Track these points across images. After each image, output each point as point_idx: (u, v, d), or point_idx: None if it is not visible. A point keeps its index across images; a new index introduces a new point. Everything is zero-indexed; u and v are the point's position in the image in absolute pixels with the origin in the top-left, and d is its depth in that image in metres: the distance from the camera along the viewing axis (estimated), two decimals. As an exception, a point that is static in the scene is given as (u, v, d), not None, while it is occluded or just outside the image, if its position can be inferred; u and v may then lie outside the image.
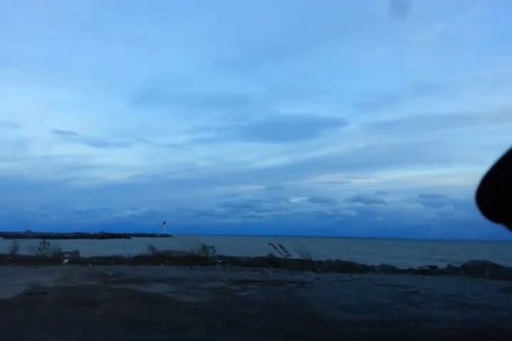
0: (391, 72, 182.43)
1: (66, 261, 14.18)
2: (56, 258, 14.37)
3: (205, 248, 15.00)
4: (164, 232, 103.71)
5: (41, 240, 15.77)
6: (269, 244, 14.66)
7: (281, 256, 14.22)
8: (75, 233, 73.22)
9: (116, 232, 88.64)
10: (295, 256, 14.40)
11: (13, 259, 14.07)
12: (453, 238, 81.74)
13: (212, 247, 15.22)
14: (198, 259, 14.41)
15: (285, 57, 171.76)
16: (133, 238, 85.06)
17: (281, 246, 14.51)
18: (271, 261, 14.08)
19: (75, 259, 14.69)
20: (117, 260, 14.85)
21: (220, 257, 15.01)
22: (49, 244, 15.47)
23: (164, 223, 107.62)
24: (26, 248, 15.46)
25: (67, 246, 18.34)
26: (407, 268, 14.12)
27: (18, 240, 15.50)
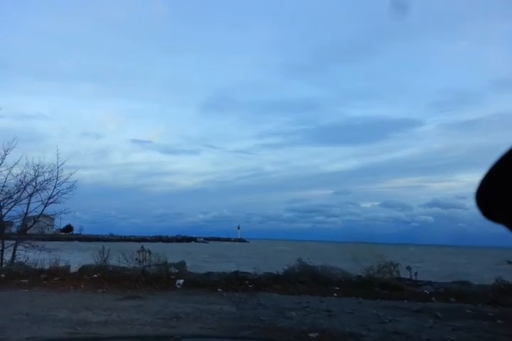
0: (468, 69, 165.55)
1: (180, 282, 9.61)
2: (165, 278, 9.86)
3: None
4: (239, 237, 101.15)
5: (129, 243, 11.52)
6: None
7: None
8: (155, 236, 72.04)
9: (193, 236, 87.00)
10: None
11: (102, 279, 9.75)
12: None
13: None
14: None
15: (353, 59, 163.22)
16: (209, 242, 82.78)
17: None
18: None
19: (191, 279, 10.07)
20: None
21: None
22: (149, 252, 11.09)
23: (238, 228, 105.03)
24: (116, 256, 11.27)
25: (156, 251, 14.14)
26: None
27: (106, 248, 11.31)
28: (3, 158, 13.05)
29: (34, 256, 13.08)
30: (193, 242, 78.97)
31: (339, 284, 9.95)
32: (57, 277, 9.65)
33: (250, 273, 11.63)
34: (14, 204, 13.37)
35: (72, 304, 6.77)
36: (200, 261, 21.27)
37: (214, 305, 7.15)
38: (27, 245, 13.04)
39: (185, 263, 12.32)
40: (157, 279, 9.86)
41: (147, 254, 11.04)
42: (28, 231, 14.23)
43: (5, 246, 12.75)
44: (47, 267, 11.03)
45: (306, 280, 10.10)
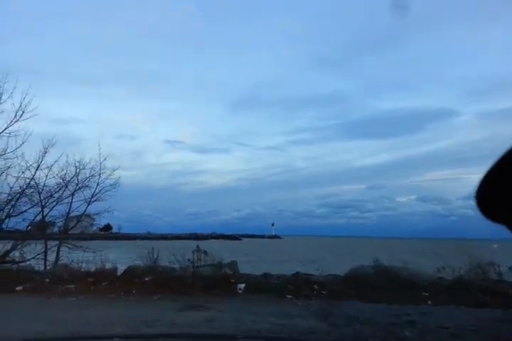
0: (504, 55, 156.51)
1: (242, 287, 8.40)
2: (223, 282, 8.68)
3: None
4: (273, 233, 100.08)
5: (166, 241, 10.44)
6: None
7: None
8: (190, 234, 72.05)
9: (228, 233, 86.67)
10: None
11: (154, 283, 8.67)
12: None
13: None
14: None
15: (382, 50, 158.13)
16: (244, 239, 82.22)
17: None
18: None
19: (252, 284, 8.83)
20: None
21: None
22: (205, 253, 9.94)
23: (272, 224, 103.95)
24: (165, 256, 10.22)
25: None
26: None
27: (155, 248, 10.24)
28: (43, 156, 12.31)
29: (77, 257, 12.33)
30: (228, 240, 78.51)
31: (427, 289, 8.46)
32: (105, 281, 8.66)
33: (314, 275, 10.28)
34: (56, 204, 12.64)
35: (129, 317, 5.66)
36: (244, 260, 20.14)
37: (296, 318, 5.87)
38: (70, 246, 12.25)
39: (236, 263, 11.13)
40: (214, 283, 8.69)
41: (202, 255, 9.89)
42: (70, 231, 13.49)
43: (48, 246, 11.98)
44: (92, 269, 10.15)
45: (385, 284, 8.66)
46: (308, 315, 6.20)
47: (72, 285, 8.31)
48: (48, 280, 8.80)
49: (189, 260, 9.99)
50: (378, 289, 8.48)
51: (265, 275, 10.75)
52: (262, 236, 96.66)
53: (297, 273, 10.89)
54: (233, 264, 10.88)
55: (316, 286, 8.93)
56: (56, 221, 13.08)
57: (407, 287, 8.57)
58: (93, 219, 14.59)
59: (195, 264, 9.94)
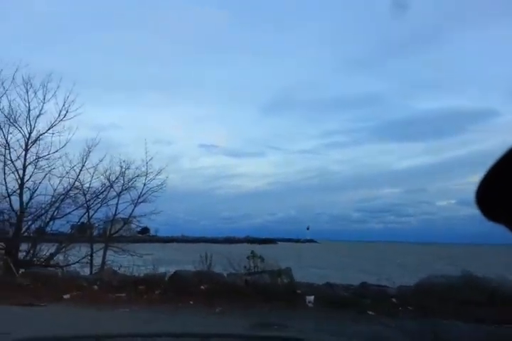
0: None
1: (311, 299, 7.34)
2: (288, 292, 7.66)
3: None
4: (309, 237, 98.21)
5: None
6: None
7: None
8: (225, 237, 71.48)
9: (262, 237, 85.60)
10: None
11: (213, 292, 7.76)
12: None
13: None
14: None
15: (417, 49, 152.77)
16: (279, 243, 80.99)
17: None
18: None
19: (322, 296, 7.75)
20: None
21: None
22: (261, 258, 8.98)
23: (308, 228, 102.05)
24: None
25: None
26: None
27: (208, 253, 9.36)
28: (87, 156, 11.80)
29: (123, 261, 11.69)
30: (263, 243, 77.43)
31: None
32: (157, 289, 7.84)
33: (386, 287, 9.10)
34: (101, 206, 12.07)
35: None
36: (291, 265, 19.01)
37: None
38: (116, 249, 11.61)
39: (291, 270, 10.05)
40: (277, 294, 7.69)
41: (258, 261, 8.93)
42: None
43: (94, 250, 11.39)
44: (142, 275, 9.42)
45: (482, 299, 7.36)
46: (408, 340, 5.07)
47: (123, 294, 7.54)
48: (96, 287, 8.09)
49: (245, 267, 9.07)
50: (473, 305, 7.20)
51: (329, 285, 9.62)
52: (298, 240, 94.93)
53: (364, 283, 9.73)
54: (287, 271, 9.83)
55: (394, 300, 7.75)
56: (101, 223, 12.49)
57: (507, 303, 7.24)
58: (138, 221, 13.91)
59: (253, 270, 9.02)
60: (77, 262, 11.86)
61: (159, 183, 11.61)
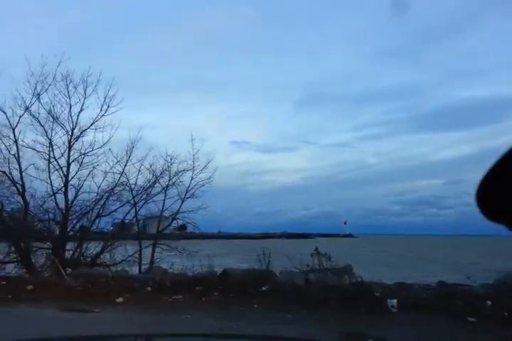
0: None
1: (394, 303, 6.37)
2: (364, 294, 6.72)
3: None
4: (347, 232, 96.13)
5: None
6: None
7: None
8: (262, 233, 70.87)
9: (299, 232, 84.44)
10: None
11: (275, 294, 6.92)
12: None
13: None
14: None
15: (454, 37, 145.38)
16: (316, 238, 79.74)
17: None
18: None
19: (404, 299, 6.76)
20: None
21: None
22: (328, 256, 8.07)
23: (345, 223, 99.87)
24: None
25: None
26: None
27: (266, 250, 8.53)
28: (131, 151, 11.26)
29: (171, 259, 11.13)
30: (300, 238, 76.47)
31: None
32: (215, 291, 7.10)
33: (467, 285, 7.98)
34: (145, 202, 11.52)
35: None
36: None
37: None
38: (164, 247, 11.03)
39: (352, 269, 9.06)
40: (352, 296, 6.76)
41: (323, 259, 8.03)
42: (151, 231, 12.33)
43: (142, 248, 10.87)
44: (192, 274, 8.76)
45: None
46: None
47: (180, 296, 6.85)
48: (149, 288, 7.45)
49: (308, 265, 8.20)
50: None
51: (402, 284, 8.62)
52: (336, 235, 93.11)
53: (441, 282, 8.65)
54: (347, 269, 8.86)
55: (489, 303, 6.65)
56: (147, 220, 11.96)
57: None
58: (185, 217, 13.23)
59: (318, 267, 8.14)
60: (124, 260, 11.40)
61: (207, 177, 10.90)
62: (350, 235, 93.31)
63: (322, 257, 8.05)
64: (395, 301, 6.38)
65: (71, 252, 11.53)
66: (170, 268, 9.18)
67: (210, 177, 11.03)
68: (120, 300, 6.71)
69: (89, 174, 11.39)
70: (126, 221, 12.26)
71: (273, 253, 8.44)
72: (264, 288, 7.21)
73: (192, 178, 11.02)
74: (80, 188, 11.41)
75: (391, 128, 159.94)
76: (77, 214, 11.83)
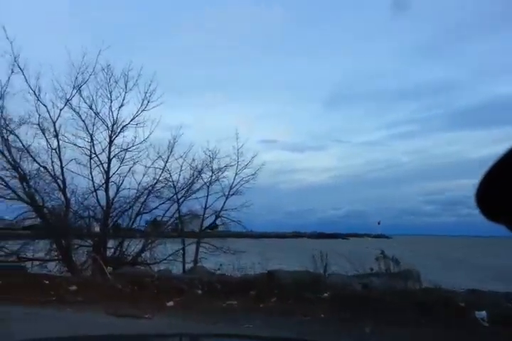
0: None
1: (483, 315, 5.49)
2: (444, 304, 5.86)
3: None
4: (380, 232, 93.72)
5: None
6: None
7: None
8: (293, 232, 69.93)
9: (330, 232, 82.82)
10: None
11: (336, 301, 6.17)
12: None
13: None
14: None
15: (493, 31, 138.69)
16: (349, 238, 78.07)
17: None
18: None
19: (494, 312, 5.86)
20: None
21: None
22: (396, 260, 7.24)
23: (379, 223, 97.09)
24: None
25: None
26: None
27: (325, 253, 7.79)
28: (172, 147, 10.79)
29: (213, 258, 10.60)
30: (331, 239, 74.96)
31: None
32: (271, 296, 6.42)
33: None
34: (185, 198, 11.02)
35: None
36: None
37: None
38: (207, 245, 10.49)
39: (418, 273, 8.14)
40: (428, 305, 5.91)
41: (390, 262, 7.21)
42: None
43: (177, 247, 10.38)
44: (238, 275, 8.15)
45: None
46: None
47: (234, 301, 6.21)
48: (199, 291, 6.86)
49: (371, 269, 7.41)
50: None
51: (473, 291, 7.69)
52: (368, 235, 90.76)
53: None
54: (412, 272, 7.96)
55: None
56: (189, 217, 11.46)
57: None
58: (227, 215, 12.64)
59: (380, 274, 7.33)
60: (165, 259, 10.97)
61: (251, 173, 10.28)
62: (382, 235, 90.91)
63: (389, 261, 7.22)
64: (484, 313, 5.50)
65: (111, 250, 11.21)
66: (219, 268, 8.59)
67: (254, 173, 10.42)
68: (170, 304, 6.14)
69: (129, 170, 11.03)
70: (165, 218, 11.85)
71: (335, 256, 7.70)
72: (326, 295, 6.47)
73: (236, 174, 10.44)
74: (121, 184, 11.06)
75: (424, 125, 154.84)
76: (116, 211, 11.51)
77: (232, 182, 10.46)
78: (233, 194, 10.51)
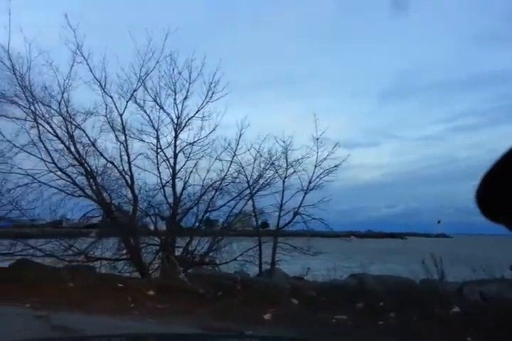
0: None
1: None
2: None
3: None
4: (440, 232, 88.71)
5: None
6: None
7: None
8: (347, 232, 67.63)
9: (386, 232, 79.43)
10: None
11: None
12: None
13: None
14: None
15: None
16: (408, 238, 74.51)
17: None
18: None
19: None
20: None
21: None
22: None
23: (439, 222, 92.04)
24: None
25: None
26: None
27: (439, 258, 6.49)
28: (239, 136, 9.86)
29: (290, 260, 9.59)
30: (388, 238, 71.90)
31: None
32: (389, 310, 5.24)
33: None
34: (256, 191, 10.07)
35: None
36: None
37: None
38: (285, 245, 9.46)
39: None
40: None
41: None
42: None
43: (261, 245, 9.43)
44: (328, 281, 7.04)
45: None
46: None
47: (344, 316, 5.10)
48: (295, 301, 5.82)
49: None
50: None
51: None
52: (427, 235, 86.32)
53: None
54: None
55: None
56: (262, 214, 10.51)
57: None
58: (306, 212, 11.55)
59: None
60: (235, 259, 10.13)
61: (334, 165, 9.13)
62: (443, 235, 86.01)
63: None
64: None
65: (179, 250, 10.55)
66: (306, 273, 7.53)
67: (337, 165, 9.25)
68: (268, 317, 5.15)
69: (195, 165, 10.27)
70: (233, 215, 11.01)
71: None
72: (455, 309, 5.19)
73: (316, 166, 9.31)
74: (188, 180, 10.34)
75: (489, 117, 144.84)
76: (182, 208, 10.85)
77: (312, 176, 9.34)
78: (312, 188, 9.37)
